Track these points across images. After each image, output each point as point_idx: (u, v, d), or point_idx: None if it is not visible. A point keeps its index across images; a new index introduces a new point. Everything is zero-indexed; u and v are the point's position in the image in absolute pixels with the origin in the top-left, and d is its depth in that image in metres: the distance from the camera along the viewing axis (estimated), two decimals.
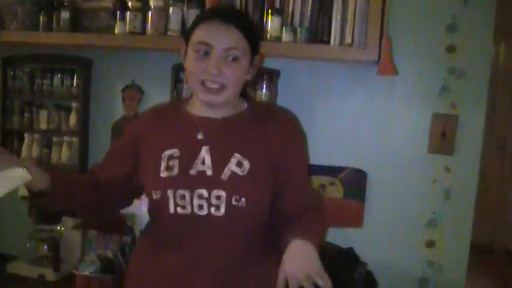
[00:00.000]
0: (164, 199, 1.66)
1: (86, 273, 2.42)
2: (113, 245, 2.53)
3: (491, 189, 6.52)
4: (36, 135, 2.96)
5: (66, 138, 2.92)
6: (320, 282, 1.44)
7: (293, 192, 1.76)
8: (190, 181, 1.65)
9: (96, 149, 2.92)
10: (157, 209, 1.71)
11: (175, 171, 1.67)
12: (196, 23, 1.69)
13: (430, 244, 2.57)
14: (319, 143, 2.64)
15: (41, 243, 2.76)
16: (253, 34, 1.73)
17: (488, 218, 6.48)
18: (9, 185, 1.53)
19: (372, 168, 2.60)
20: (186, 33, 1.75)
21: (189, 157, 1.69)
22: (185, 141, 1.71)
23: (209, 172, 1.66)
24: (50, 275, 2.64)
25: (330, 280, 1.47)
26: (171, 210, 1.66)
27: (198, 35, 1.66)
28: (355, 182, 2.58)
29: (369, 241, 2.60)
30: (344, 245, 2.51)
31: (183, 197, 1.64)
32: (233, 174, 1.66)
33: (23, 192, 1.62)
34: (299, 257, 1.54)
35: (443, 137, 2.50)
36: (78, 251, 2.74)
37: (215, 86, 1.64)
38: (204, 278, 1.68)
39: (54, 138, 2.95)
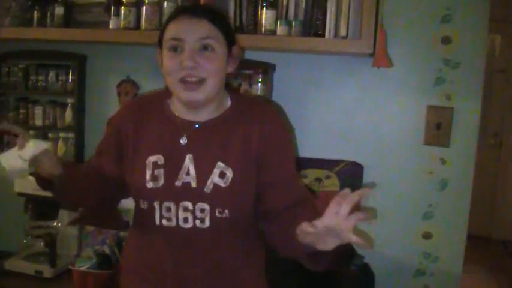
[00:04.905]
0: (151, 210, 1.65)
1: (83, 268, 2.42)
2: (110, 240, 2.53)
3: (488, 181, 6.53)
4: (31, 132, 2.93)
5: (61, 134, 2.92)
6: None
7: (280, 189, 1.67)
8: (175, 193, 1.63)
9: (92, 144, 2.88)
10: (143, 217, 1.69)
11: (161, 182, 1.64)
12: (166, 23, 1.65)
13: (427, 236, 2.58)
14: (314, 136, 2.64)
15: (38, 239, 2.75)
16: (226, 24, 1.68)
17: (485, 210, 6.50)
18: (20, 162, 1.57)
19: (368, 161, 2.60)
20: (159, 38, 1.68)
21: (174, 166, 1.64)
22: (169, 147, 1.67)
23: (194, 184, 1.63)
24: (46, 271, 2.62)
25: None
26: (157, 222, 1.65)
27: (169, 32, 1.61)
28: (351, 175, 2.58)
29: (365, 233, 2.60)
30: None
31: (169, 209, 1.63)
32: (216, 186, 1.62)
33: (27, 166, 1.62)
34: None
35: (438, 129, 2.50)
36: (74, 246, 2.74)
37: (195, 79, 1.57)
38: (193, 286, 1.69)
39: (50, 135, 2.95)
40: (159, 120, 1.71)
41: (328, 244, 1.34)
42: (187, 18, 1.60)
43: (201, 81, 1.58)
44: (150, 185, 1.64)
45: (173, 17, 1.64)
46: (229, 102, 1.73)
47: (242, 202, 1.66)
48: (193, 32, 1.58)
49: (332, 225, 1.28)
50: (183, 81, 1.58)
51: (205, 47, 1.59)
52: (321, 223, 1.29)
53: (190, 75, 1.57)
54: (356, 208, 1.30)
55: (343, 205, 1.27)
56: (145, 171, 1.65)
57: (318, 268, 1.48)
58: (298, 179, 1.77)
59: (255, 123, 1.68)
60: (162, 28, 1.66)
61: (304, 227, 1.33)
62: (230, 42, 1.67)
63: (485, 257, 6.02)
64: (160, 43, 1.67)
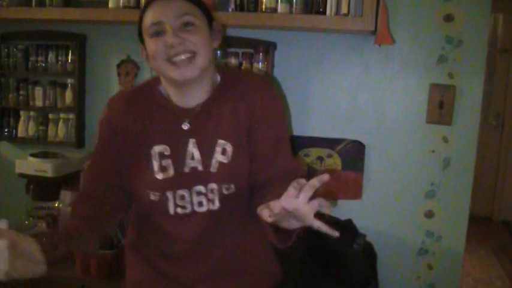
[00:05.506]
0: (163, 201, 1.62)
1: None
2: None
3: (490, 160, 6.53)
4: (32, 113, 2.95)
5: (62, 115, 2.91)
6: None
7: (262, 160, 1.64)
8: (186, 180, 1.62)
9: (92, 125, 2.90)
10: (153, 209, 1.66)
11: (171, 172, 1.62)
12: (141, 14, 1.62)
13: (429, 215, 2.57)
14: (316, 115, 2.63)
15: (39, 220, 2.75)
16: (201, 1, 1.65)
17: (487, 191, 6.50)
18: None
19: (370, 140, 2.59)
20: (138, 32, 1.64)
21: (179, 153, 1.63)
22: (172, 135, 1.64)
23: (200, 167, 1.62)
24: None
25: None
26: (171, 211, 1.63)
27: (147, 20, 1.58)
28: (353, 154, 2.58)
29: (367, 212, 2.61)
30: (343, 217, 2.51)
31: (182, 197, 1.62)
32: (220, 164, 1.62)
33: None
34: None
35: (441, 107, 2.49)
36: None
37: (184, 56, 1.54)
38: (207, 264, 1.69)
39: (51, 116, 2.94)
40: (154, 109, 1.68)
41: (292, 225, 1.30)
42: (161, 2, 1.57)
43: (192, 57, 1.55)
44: (160, 176, 1.62)
45: (147, 5, 1.61)
46: (218, 79, 1.71)
47: (243, 175, 1.64)
48: (170, 11, 1.55)
49: (291, 209, 1.23)
50: (170, 61, 1.55)
51: (185, 24, 1.56)
52: (278, 205, 1.24)
53: (178, 53, 1.54)
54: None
55: (303, 191, 1.22)
56: (151, 163, 1.63)
57: (283, 245, 1.41)
58: (287, 152, 1.69)
59: (242, 94, 1.66)
60: (139, 21, 1.62)
61: (260, 211, 1.30)
62: (209, 17, 1.65)
63: (487, 237, 6.04)
64: (141, 37, 1.64)
